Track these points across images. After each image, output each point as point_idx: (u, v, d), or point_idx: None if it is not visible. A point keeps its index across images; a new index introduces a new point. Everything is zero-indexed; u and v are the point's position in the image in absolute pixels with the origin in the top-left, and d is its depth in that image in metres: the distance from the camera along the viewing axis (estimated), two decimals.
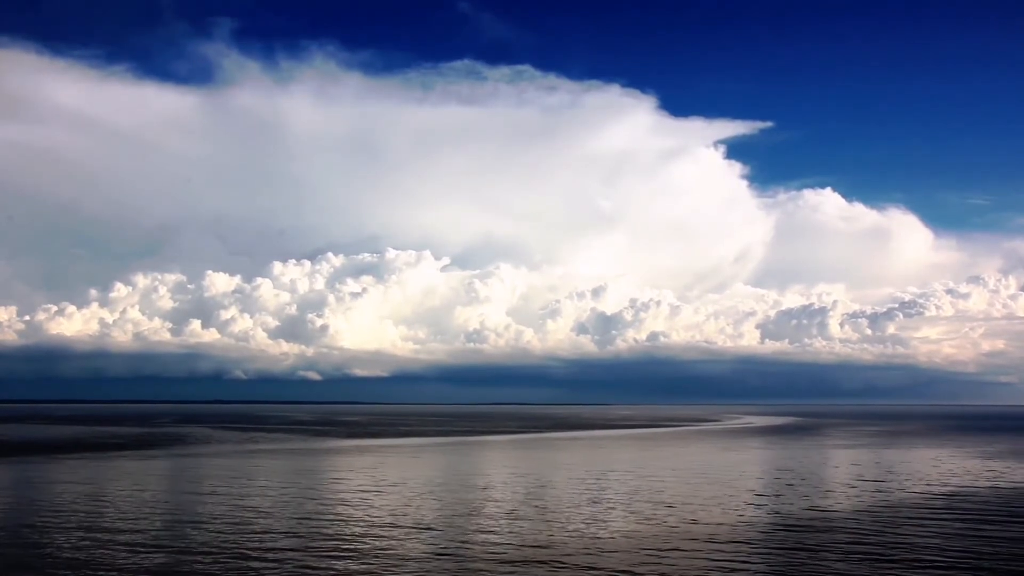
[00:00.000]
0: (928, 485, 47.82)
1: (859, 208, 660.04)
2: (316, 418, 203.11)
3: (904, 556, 27.22)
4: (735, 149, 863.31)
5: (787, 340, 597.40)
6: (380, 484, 47.74)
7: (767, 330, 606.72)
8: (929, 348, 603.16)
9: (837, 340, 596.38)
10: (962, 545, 29.07)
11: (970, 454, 75.95)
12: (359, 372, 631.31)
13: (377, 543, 29.19)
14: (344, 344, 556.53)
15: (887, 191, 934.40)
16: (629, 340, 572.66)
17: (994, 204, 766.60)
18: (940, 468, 60.01)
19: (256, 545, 28.71)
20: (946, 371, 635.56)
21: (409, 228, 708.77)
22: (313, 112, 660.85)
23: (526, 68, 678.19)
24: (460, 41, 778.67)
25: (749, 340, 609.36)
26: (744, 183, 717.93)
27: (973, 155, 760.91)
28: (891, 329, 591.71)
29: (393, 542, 29.44)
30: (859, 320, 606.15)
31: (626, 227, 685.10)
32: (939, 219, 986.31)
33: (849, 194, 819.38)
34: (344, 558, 26.76)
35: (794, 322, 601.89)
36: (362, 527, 32.51)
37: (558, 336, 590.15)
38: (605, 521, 34.12)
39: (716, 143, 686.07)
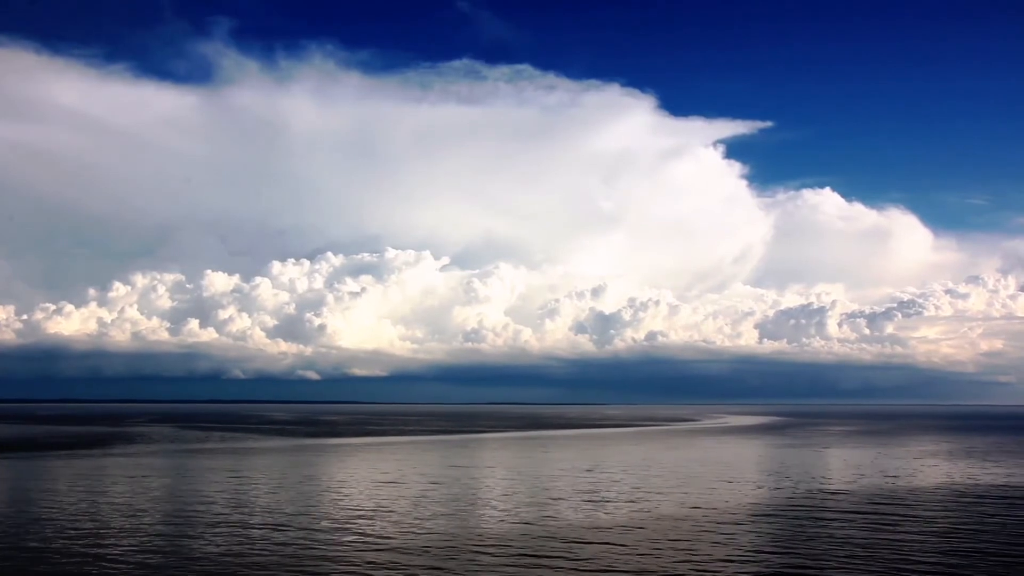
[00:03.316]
0: (819, 483, 47.86)
1: (858, 208, 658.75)
2: (296, 418, 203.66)
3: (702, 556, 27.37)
4: (735, 149, 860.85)
5: (786, 340, 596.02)
6: (283, 482, 48.00)
7: (765, 330, 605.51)
8: (928, 348, 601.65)
9: (835, 340, 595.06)
10: (757, 545, 29.22)
11: (911, 453, 76.06)
12: (358, 372, 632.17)
13: (223, 537, 29.44)
14: (343, 344, 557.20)
15: (886, 191, 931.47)
16: (628, 340, 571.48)
17: (993, 204, 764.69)
18: (857, 467, 60.00)
19: (102, 542, 28.99)
20: (945, 371, 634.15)
21: (409, 228, 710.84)
22: (312, 112, 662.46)
23: (525, 67, 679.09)
24: (459, 40, 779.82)
25: (747, 340, 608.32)
26: (743, 183, 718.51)
27: (972, 155, 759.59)
28: (890, 329, 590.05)
29: (241, 533, 29.68)
30: (858, 320, 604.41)
31: (626, 227, 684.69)
32: (938, 219, 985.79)
33: (848, 194, 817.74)
34: (173, 554, 27.02)
35: (792, 322, 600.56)
36: (218, 521, 32.76)
37: (556, 336, 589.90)
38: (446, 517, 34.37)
39: (716, 143, 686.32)
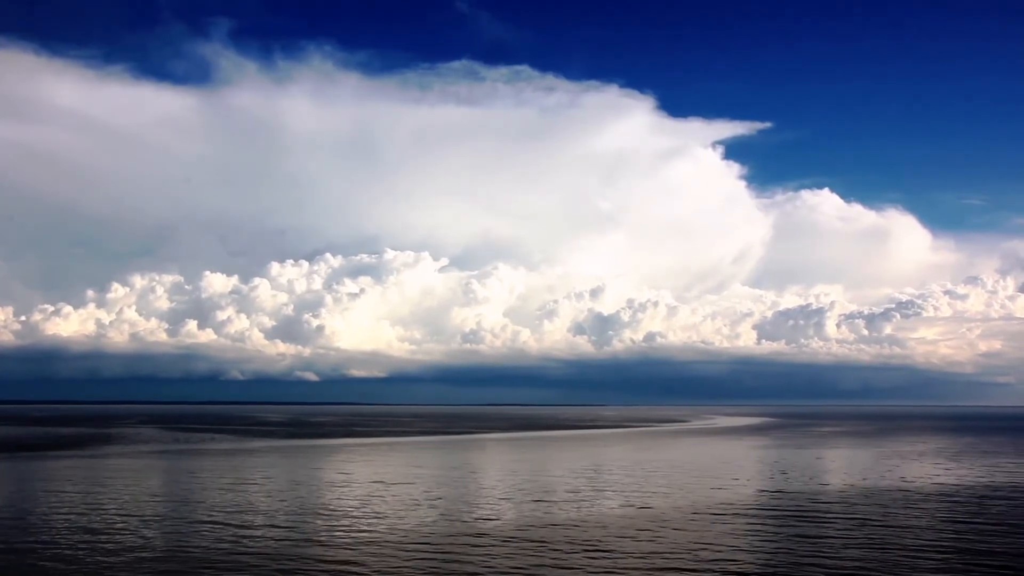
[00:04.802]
0: (772, 484, 48.10)
1: (857, 208, 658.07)
2: (286, 419, 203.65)
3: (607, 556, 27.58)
4: (733, 149, 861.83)
5: (784, 341, 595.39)
6: (236, 483, 48.27)
7: (764, 331, 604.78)
8: (926, 349, 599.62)
9: (834, 340, 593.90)
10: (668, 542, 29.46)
11: (883, 454, 76.11)
12: (356, 373, 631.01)
13: (149, 540, 29.74)
14: (341, 345, 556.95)
15: (885, 191, 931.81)
16: (626, 340, 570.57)
17: (991, 204, 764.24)
18: (820, 468, 60.30)
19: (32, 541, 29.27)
20: (943, 371, 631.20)
21: (408, 228, 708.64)
22: (311, 112, 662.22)
23: (524, 68, 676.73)
24: (458, 41, 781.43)
25: (746, 340, 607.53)
26: (742, 183, 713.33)
27: (971, 155, 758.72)
28: (888, 330, 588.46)
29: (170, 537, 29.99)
30: (856, 321, 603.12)
31: (625, 227, 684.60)
32: (937, 219, 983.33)
33: (847, 194, 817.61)
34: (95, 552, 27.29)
35: (791, 322, 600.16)
36: (150, 519, 33.05)
37: (555, 337, 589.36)
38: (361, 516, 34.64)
39: (714, 143, 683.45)
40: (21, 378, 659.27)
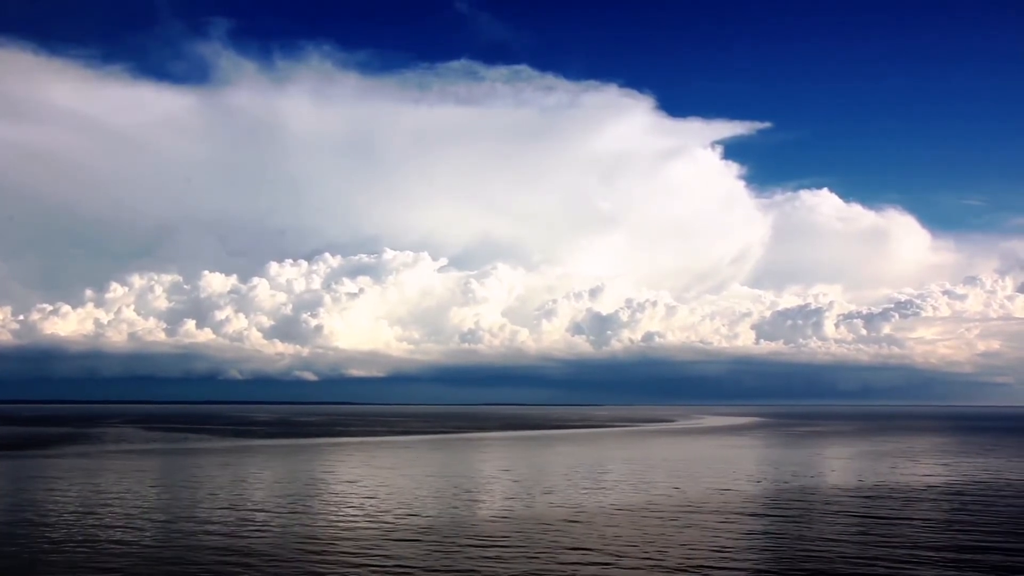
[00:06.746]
0: (721, 484, 48.19)
1: (856, 209, 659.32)
2: (274, 419, 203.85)
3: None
4: (733, 149, 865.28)
5: (782, 341, 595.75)
6: (174, 481, 48.47)
7: (762, 331, 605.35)
8: (925, 349, 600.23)
9: (832, 341, 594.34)
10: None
11: (849, 453, 76.43)
12: (355, 372, 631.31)
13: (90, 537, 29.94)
14: (339, 344, 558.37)
15: (884, 192, 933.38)
16: (625, 341, 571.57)
17: (990, 205, 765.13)
18: (780, 467, 60.41)
19: None
20: (942, 372, 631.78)
21: (407, 228, 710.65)
22: (310, 112, 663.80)
23: (523, 68, 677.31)
24: (457, 41, 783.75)
25: (744, 341, 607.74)
26: (741, 183, 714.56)
27: (970, 155, 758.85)
28: (887, 330, 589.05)
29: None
30: (855, 321, 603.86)
31: (624, 227, 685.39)
32: (936, 220, 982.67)
33: (846, 195, 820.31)
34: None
35: (789, 323, 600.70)
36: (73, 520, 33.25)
37: (553, 336, 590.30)
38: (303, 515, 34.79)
39: (714, 143, 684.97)
40: (19, 378, 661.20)
